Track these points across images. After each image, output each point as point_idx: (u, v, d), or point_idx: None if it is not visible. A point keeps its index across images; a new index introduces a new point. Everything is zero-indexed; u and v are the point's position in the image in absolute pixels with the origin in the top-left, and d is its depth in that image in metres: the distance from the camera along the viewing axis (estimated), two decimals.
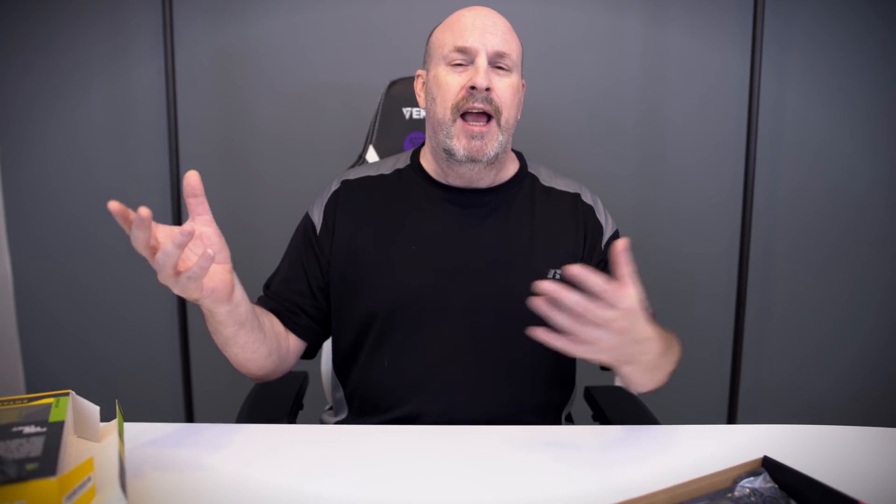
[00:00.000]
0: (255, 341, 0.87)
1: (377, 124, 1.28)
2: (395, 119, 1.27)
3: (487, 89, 0.91)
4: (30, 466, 0.53)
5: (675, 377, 1.98)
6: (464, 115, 0.92)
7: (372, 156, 1.26)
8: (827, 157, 1.81)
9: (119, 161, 1.81)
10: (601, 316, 0.65)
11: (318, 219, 1.02)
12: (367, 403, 1.00)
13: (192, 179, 0.70)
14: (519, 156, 1.08)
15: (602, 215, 1.04)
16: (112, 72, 1.77)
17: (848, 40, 1.75)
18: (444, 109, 0.93)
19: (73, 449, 0.65)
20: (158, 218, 2.08)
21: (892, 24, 1.74)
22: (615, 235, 1.05)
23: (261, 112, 1.80)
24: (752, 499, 0.62)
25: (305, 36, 1.76)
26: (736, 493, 0.63)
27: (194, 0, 1.73)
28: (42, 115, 1.79)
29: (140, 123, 1.79)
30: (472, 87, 0.91)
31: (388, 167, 1.06)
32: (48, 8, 1.73)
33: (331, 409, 1.11)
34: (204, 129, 1.80)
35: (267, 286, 1.03)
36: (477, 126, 0.92)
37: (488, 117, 0.93)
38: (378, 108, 1.29)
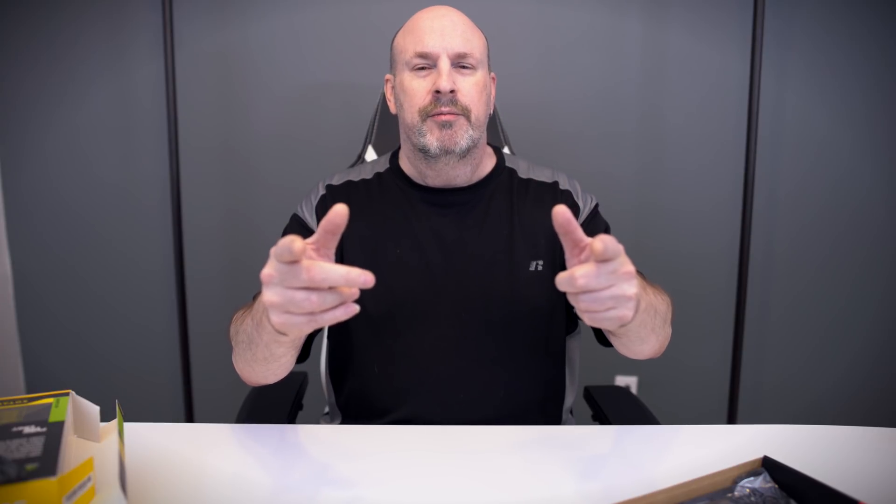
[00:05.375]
0: (293, 357, 0.85)
1: (376, 124, 1.28)
2: (394, 119, 1.26)
3: (452, 91, 0.91)
4: (30, 466, 0.53)
5: (675, 377, 1.97)
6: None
7: (371, 155, 1.26)
8: (827, 157, 1.81)
9: (119, 161, 1.81)
10: (613, 271, 0.60)
11: (311, 220, 1.01)
12: (361, 409, 1.00)
13: (340, 217, 0.60)
14: (496, 150, 1.08)
15: (580, 198, 1.04)
16: (112, 72, 1.77)
17: (848, 40, 1.75)
18: (412, 115, 0.94)
19: (73, 449, 0.65)
20: (157, 217, 2.07)
21: (892, 24, 1.74)
22: (594, 212, 1.04)
23: (260, 111, 1.80)
24: (752, 499, 0.62)
25: (305, 36, 1.76)
26: (736, 493, 0.63)
27: (194, 0, 1.73)
28: (42, 115, 1.79)
29: (140, 123, 1.79)
30: (437, 92, 0.91)
31: (368, 171, 1.06)
32: (48, 8, 1.73)
33: (327, 414, 1.11)
34: (204, 129, 1.80)
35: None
36: (445, 116, 0.92)
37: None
38: (377, 108, 1.29)
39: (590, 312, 0.62)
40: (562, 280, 0.60)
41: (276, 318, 0.60)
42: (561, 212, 0.62)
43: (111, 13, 1.74)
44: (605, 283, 0.60)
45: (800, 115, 1.79)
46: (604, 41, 1.76)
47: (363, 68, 1.76)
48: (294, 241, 0.56)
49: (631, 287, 0.62)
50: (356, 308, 0.58)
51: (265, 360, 0.79)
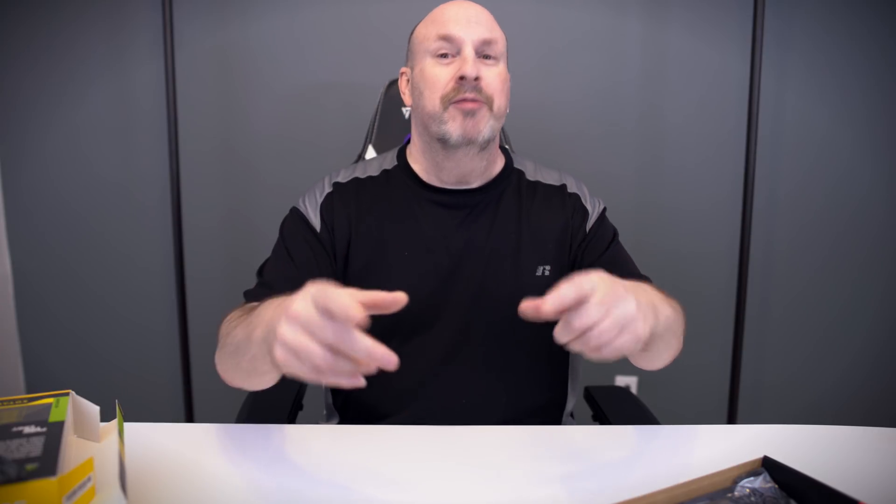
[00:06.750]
0: (276, 377, 0.80)
1: (376, 124, 1.28)
2: (394, 118, 1.27)
3: (476, 79, 0.89)
4: (30, 466, 0.53)
5: (675, 377, 1.96)
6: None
7: (371, 155, 1.26)
8: (827, 157, 1.81)
9: (119, 161, 1.81)
10: (600, 301, 0.59)
11: (315, 218, 0.98)
12: (361, 411, 0.99)
13: (396, 306, 0.58)
14: (504, 151, 1.07)
15: (588, 202, 1.03)
16: (112, 71, 1.77)
17: (848, 40, 1.75)
18: (433, 102, 0.91)
19: (73, 449, 0.65)
20: (157, 217, 2.06)
21: (892, 24, 1.74)
22: (601, 217, 1.03)
23: (260, 111, 1.80)
24: (752, 499, 0.62)
25: (305, 36, 1.76)
26: (736, 493, 0.63)
27: (194, 0, 1.73)
28: (42, 115, 1.79)
29: (140, 123, 1.79)
30: (461, 78, 0.89)
31: (374, 168, 1.03)
32: (48, 8, 1.73)
33: (326, 414, 1.11)
34: (204, 129, 1.80)
35: (264, 279, 0.96)
36: (469, 103, 0.90)
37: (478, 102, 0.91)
38: (377, 108, 1.29)
39: (602, 346, 0.59)
40: (559, 332, 0.60)
41: (281, 356, 0.57)
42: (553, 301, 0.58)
43: (111, 13, 1.74)
44: (599, 314, 0.58)
45: (800, 115, 1.79)
46: (604, 41, 1.76)
47: (363, 68, 1.76)
48: (338, 296, 0.53)
49: (628, 304, 0.60)
50: (362, 383, 0.56)
51: (247, 372, 0.76)
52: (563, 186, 1.03)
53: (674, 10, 1.75)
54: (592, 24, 1.76)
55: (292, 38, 1.76)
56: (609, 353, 0.60)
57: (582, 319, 0.58)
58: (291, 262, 0.94)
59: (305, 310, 0.55)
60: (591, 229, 1.01)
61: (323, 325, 0.54)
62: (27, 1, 1.72)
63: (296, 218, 1.00)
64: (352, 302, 0.53)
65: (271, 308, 0.68)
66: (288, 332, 0.56)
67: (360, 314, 0.53)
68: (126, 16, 1.74)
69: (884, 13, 1.74)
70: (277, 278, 0.93)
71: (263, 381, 0.77)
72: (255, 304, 0.80)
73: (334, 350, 0.55)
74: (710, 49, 1.77)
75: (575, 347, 0.61)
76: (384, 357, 0.54)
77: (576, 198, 1.03)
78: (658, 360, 0.84)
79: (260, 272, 0.98)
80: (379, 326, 0.93)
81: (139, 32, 1.75)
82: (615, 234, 1.04)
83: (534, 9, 1.74)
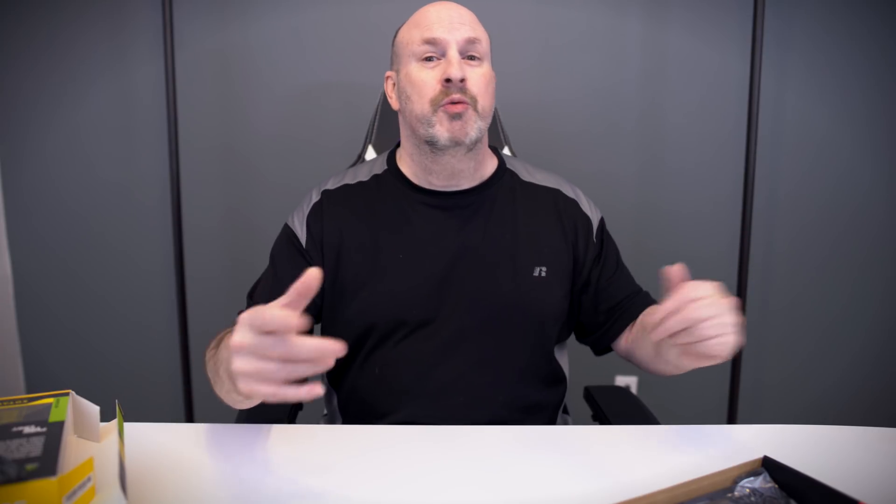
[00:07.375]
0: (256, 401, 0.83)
1: (376, 124, 1.28)
2: (394, 118, 1.27)
3: (462, 80, 0.90)
4: (30, 466, 0.53)
5: (675, 377, 1.97)
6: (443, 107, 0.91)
7: (371, 155, 1.26)
8: (827, 157, 1.81)
9: (119, 161, 1.81)
10: (711, 303, 0.67)
11: (301, 230, 0.99)
12: (361, 411, 0.99)
13: (314, 281, 0.59)
14: (495, 151, 1.07)
15: (587, 207, 1.04)
16: (112, 72, 1.77)
17: (848, 40, 1.75)
18: (421, 106, 0.92)
19: (73, 449, 0.65)
20: (157, 217, 2.06)
21: (892, 24, 1.74)
22: (602, 225, 1.04)
23: (260, 111, 1.80)
24: (752, 499, 0.62)
25: (305, 36, 1.76)
26: (736, 493, 0.63)
27: (194, 0, 1.73)
28: (42, 115, 1.79)
29: (140, 123, 1.79)
30: (447, 80, 0.90)
31: (365, 173, 1.04)
32: (48, 8, 1.73)
33: (325, 415, 1.11)
34: (204, 129, 1.80)
35: (253, 302, 0.99)
36: (455, 107, 0.91)
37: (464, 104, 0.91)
38: (377, 108, 1.29)
39: (710, 339, 0.67)
40: (670, 323, 0.68)
41: (244, 387, 0.60)
42: (677, 272, 0.70)
43: (111, 13, 1.74)
44: (712, 312, 0.67)
45: (800, 115, 1.79)
46: (604, 40, 1.76)
47: (364, 68, 1.76)
48: (271, 314, 0.56)
49: (732, 315, 0.68)
50: (320, 391, 0.58)
51: (233, 402, 0.77)
52: (559, 191, 1.04)
53: (674, 10, 1.75)
54: (592, 24, 1.76)
55: (292, 38, 1.76)
56: (711, 349, 0.68)
57: (700, 311, 0.67)
58: (278, 283, 0.97)
59: (246, 338, 0.59)
60: (599, 243, 1.02)
61: (268, 342, 0.57)
62: (27, 1, 1.72)
63: (284, 235, 1.02)
64: (284, 312, 0.57)
65: (224, 347, 0.73)
66: (241, 363, 0.59)
67: (296, 319, 0.57)
68: (126, 16, 1.74)
69: (884, 13, 1.74)
70: (265, 301, 0.94)
71: (246, 405, 0.79)
72: (228, 330, 0.81)
73: (286, 360, 0.58)
74: (710, 49, 1.77)
75: (681, 339, 0.69)
76: (332, 346, 0.57)
77: (574, 204, 1.03)
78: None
79: (251, 295, 1.00)
80: (378, 329, 0.95)
81: (139, 32, 1.75)
82: (617, 255, 1.05)
83: (533, 8, 1.74)
